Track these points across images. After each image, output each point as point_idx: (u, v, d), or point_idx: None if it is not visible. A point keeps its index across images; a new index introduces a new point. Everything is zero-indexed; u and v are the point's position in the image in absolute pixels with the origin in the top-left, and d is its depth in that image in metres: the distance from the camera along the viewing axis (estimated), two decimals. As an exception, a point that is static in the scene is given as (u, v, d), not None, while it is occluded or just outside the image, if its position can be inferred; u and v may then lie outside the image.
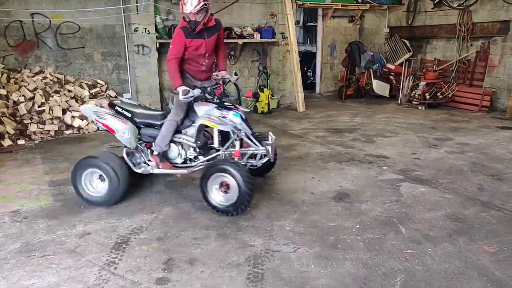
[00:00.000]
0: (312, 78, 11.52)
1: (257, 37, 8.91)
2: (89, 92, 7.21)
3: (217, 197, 3.79)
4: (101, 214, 3.83)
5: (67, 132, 6.84)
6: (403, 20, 10.65)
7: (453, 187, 4.46)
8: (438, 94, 9.09)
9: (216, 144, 4.21)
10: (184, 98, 3.73)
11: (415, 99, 9.19)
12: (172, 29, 7.90)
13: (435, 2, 9.65)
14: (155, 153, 4.17)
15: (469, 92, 9.01)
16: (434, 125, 7.49)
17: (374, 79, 9.80)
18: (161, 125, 4.11)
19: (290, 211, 3.86)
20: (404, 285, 2.73)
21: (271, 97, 8.88)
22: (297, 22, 12.99)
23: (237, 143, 4.10)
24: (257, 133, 4.35)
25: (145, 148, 4.28)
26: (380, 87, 9.80)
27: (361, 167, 5.14)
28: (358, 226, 3.56)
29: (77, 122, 6.86)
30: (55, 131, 6.71)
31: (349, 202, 4.09)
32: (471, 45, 9.15)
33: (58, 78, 7.09)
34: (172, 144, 4.18)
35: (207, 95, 3.98)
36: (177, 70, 3.93)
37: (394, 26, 10.90)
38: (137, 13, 7.41)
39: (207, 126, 4.13)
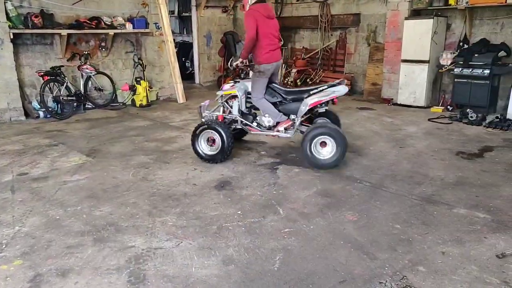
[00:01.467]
0: (191, 69, 11.46)
1: (129, 27, 8.49)
2: None
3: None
4: None
5: None
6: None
7: (323, 166, 4.88)
8: (308, 80, 9.83)
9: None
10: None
11: (288, 86, 9.77)
12: (29, 17, 7.07)
13: (299, -6, 10.34)
14: None
15: (333, 77, 9.88)
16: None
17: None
18: None
19: (172, 205, 3.81)
20: (283, 263, 2.91)
21: (149, 90, 8.60)
22: (171, 12, 12.72)
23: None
24: None
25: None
26: (255, 75, 10.16)
27: (241, 154, 5.30)
28: (239, 212, 3.67)
29: None
30: None
31: (231, 189, 4.19)
32: (332, 35, 10.06)
33: None
34: None
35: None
36: None
37: (265, 17, 11.37)
38: (-20, -1, 6.44)
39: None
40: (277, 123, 5.01)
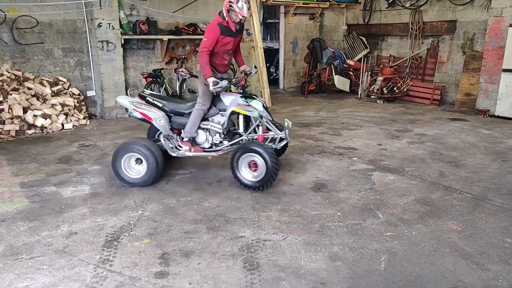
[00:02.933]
0: (275, 74, 11.75)
1: (222, 34, 8.96)
2: (51, 90, 6.97)
3: (246, 175, 4.29)
4: (85, 213, 3.78)
5: (29, 131, 6.57)
6: (360, 18, 11.12)
7: (418, 174, 4.81)
8: (395, 88, 9.62)
9: (241, 129, 4.66)
10: (214, 88, 4.24)
11: (373, 94, 9.67)
12: (137, 24, 7.81)
13: (389, 2, 10.18)
14: (185, 139, 4.64)
15: (421, 87, 9.62)
16: (393, 117, 7.95)
17: (335, 74, 10.17)
18: (189, 113, 4.58)
19: (273, 202, 4.02)
20: (389, 264, 2.97)
21: (237, 93, 8.97)
22: (257, 19, 13.14)
23: (260, 128, 4.60)
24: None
25: (175, 134, 4.71)
26: (341, 82, 10.19)
27: (332, 158, 5.40)
28: (339, 213, 3.78)
29: (39, 121, 6.61)
30: (16, 131, 6.44)
31: (327, 191, 4.31)
32: (422, 43, 9.76)
33: (15, 75, 6.77)
34: (200, 131, 4.66)
35: (232, 85, 4.57)
36: (208, 61, 4.37)
37: (352, 24, 11.36)
38: (100, 8, 7.24)
39: (234, 113, 4.57)
40: None
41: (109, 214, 3.74)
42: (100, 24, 7.34)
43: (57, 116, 6.85)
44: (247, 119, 4.68)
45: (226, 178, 4.66)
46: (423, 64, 9.77)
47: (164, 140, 4.66)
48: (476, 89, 8.30)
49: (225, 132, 4.64)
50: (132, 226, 3.52)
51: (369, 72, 9.98)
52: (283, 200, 4.07)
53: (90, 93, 7.81)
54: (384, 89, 9.51)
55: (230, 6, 4.30)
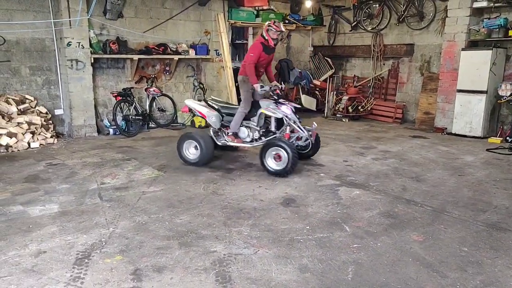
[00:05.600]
0: (243, 93, 11.94)
1: (192, 54, 9.13)
2: (17, 108, 6.85)
3: (271, 164, 5.46)
4: (54, 232, 3.74)
5: (-6, 151, 6.41)
6: (325, 40, 11.57)
7: (382, 189, 5.05)
8: (359, 107, 10.02)
9: (273, 128, 5.87)
10: (261, 90, 5.63)
11: (339, 112, 10.03)
12: (107, 44, 7.84)
13: (352, 25, 10.67)
14: (230, 133, 5.97)
15: (384, 106, 10.07)
16: (358, 135, 8.27)
17: (302, 94, 10.49)
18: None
19: (244, 218, 4.11)
20: (356, 274, 3.11)
21: (207, 112, 9.08)
22: (226, 40, 13.35)
23: (288, 128, 5.79)
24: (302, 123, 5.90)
25: (225, 129, 6.08)
26: (308, 101, 10.52)
27: (301, 174, 5.56)
28: (308, 227, 3.91)
29: (4, 140, 6.45)
30: (-21, 150, 6.29)
31: (296, 206, 4.45)
32: (384, 64, 10.26)
33: (-21, 94, 6.65)
34: (243, 128, 5.96)
35: (270, 92, 5.80)
36: (254, 72, 5.64)
37: (318, 45, 11.79)
38: (70, 27, 7.23)
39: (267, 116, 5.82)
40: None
41: (79, 232, 3.72)
42: (70, 43, 7.33)
43: (23, 134, 6.72)
44: (280, 121, 5.80)
45: (196, 195, 4.72)
46: (385, 84, 10.25)
47: (214, 133, 6.06)
48: (434, 108, 8.78)
49: (261, 130, 5.89)
50: (103, 243, 3.52)
51: (335, 92, 10.36)
52: (254, 215, 4.17)
53: (58, 112, 7.71)
54: (349, 108, 9.89)
55: (269, 26, 5.66)
